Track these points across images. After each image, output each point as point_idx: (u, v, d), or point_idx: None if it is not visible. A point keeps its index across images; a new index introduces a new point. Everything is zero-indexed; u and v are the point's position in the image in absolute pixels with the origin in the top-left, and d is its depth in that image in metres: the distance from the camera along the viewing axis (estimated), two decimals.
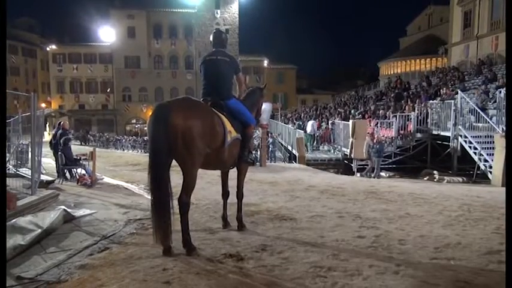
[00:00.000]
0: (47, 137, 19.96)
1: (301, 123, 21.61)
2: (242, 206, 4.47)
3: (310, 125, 18.43)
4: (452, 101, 12.33)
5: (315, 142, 18.12)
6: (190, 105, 3.56)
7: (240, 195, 4.41)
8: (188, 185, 3.52)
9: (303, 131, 17.15)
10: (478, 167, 10.67)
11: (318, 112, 27.09)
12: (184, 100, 3.65)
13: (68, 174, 9.33)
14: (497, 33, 22.52)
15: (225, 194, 4.48)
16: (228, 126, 3.78)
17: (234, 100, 4.12)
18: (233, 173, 4.43)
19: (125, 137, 37.68)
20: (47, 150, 10.03)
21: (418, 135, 13.36)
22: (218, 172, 4.59)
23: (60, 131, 9.70)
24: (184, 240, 3.53)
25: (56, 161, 9.69)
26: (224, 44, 4.23)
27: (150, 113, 3.45)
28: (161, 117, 3.32)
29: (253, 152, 4.38)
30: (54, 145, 9.63)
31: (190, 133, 3.34)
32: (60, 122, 10.35)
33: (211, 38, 4.23)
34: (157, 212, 3.36)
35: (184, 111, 3.39)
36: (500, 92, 11.31)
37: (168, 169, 3.50)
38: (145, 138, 33.85)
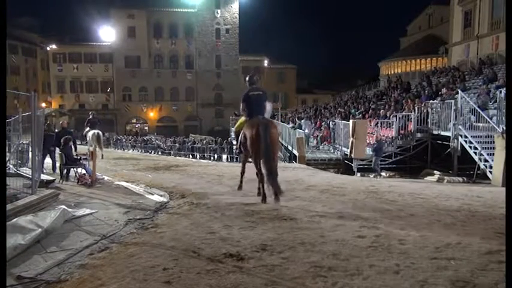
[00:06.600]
0: None
1: (298, 122, 21.51)
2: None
3: (302, 125, 18.29)
4: (453, 101, 12.33)
5: (309, 142, 17.92)
6: (272, 121, 6.10)
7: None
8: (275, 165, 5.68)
9: (302, 131, 17.12)
10: (478, 167, 10.66)
11: (316, 112, 27.08)
12: (266, 118, 5.96)
13: (67, 173, 9.33)
14: (498, 33, 22.50)
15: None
16: None
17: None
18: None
19: (125, 136, 37.68)
20: None
21: (418, 135, 13.37)
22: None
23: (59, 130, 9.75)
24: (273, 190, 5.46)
25: (53, 159, 9.72)
26: (256, 82, 6.28)
27: (255, 128, 5.57)
28: (266, 129, 5.54)
29: None
30: (56, 145, 9.66)
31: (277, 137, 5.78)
32: (48, 123, 10.43)
33: (247, 78, 6.28)
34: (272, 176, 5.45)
35: (274, 125, 5.85)
36: (501, 91, 11.31)
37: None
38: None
